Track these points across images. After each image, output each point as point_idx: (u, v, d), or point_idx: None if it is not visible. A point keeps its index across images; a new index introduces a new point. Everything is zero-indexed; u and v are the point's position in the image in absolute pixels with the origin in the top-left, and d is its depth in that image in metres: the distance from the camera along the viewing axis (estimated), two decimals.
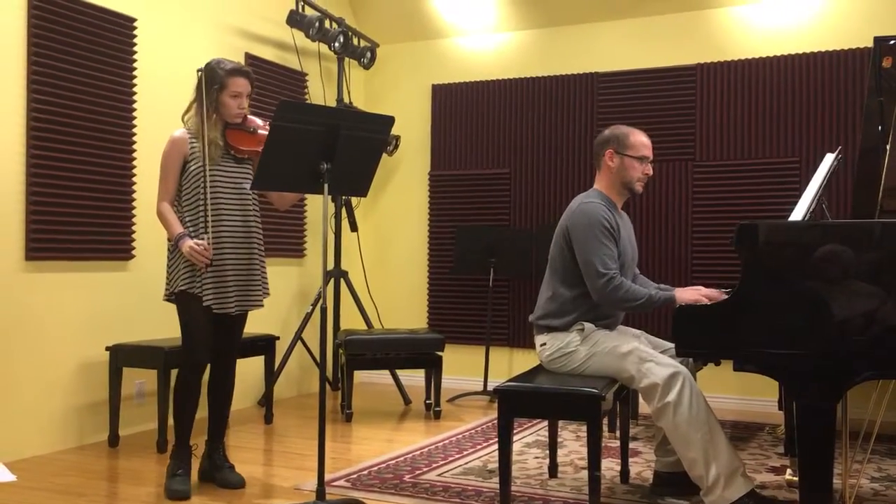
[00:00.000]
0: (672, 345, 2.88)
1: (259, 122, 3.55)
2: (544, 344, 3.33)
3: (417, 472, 3.74)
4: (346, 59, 5.87)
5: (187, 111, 3.48)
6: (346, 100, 5.87)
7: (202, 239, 3.32)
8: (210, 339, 3.46)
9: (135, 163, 4.45)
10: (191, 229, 3.37)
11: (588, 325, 3.24)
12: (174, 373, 3.64)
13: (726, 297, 2.82)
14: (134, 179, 4.44)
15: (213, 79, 3.38)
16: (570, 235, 3.27)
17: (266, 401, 4.91)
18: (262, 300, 3.57)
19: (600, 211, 3.25)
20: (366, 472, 3.71)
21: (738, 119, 5.42)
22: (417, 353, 5.04)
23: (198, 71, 3.38)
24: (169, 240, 3.40)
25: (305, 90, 5.81)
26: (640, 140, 3.36)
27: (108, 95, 4.33)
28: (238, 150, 3.45)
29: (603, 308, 3.28)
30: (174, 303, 3.44)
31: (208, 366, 3.58)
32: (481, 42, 6.20)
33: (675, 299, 3.08)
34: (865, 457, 3.80)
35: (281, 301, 5.63)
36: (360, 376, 6.20)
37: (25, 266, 3.95)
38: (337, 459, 3.97)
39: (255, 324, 4.76)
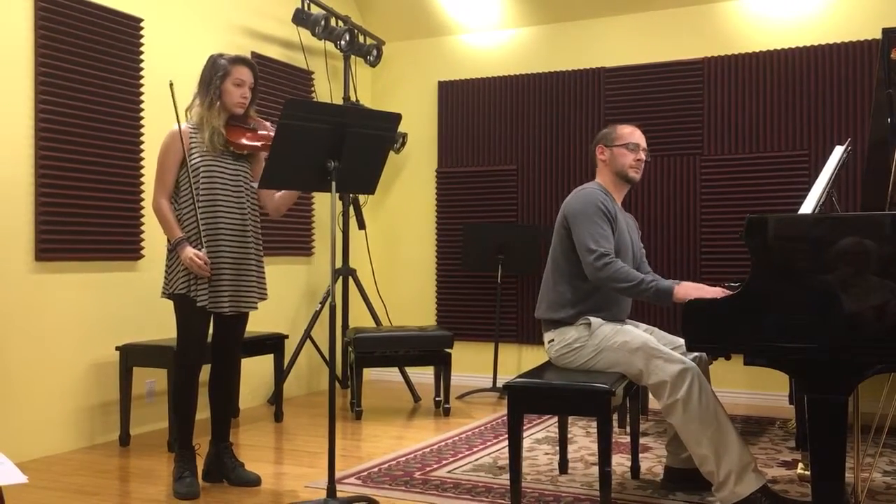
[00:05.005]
0: (683, 341, 2.86)
1: (263, 122, 3.55)
2: (552, 340, 3.32)
3: (428, 468, 3.74)
4: (353, 56, 5.87)
5: (190, 105, 3.47)
6: (353, 97, 5.87)
7: (199, 244, 3.31)
8: (205, 340, 3.46)
9: (143, 162, 4.45)
10: (188, 231, 3.36)
11: (595, 320, 3.22)
12: None
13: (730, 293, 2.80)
14: (142, 179, 4.44)
15: (216, 67, 3.40)
16: (568, 220, 3.28)
17: (276, 399, 4.93)
18: (256, 302, 3.51)
19: (597, 195, 3.30)
20: (376, 470, 3.71)
21: (746, 113, 5.40)
22: (426, 350, 5.04)
23: (170, 84, 3.30)
24: (169, 240, 3.40)
25: (312, 88, 5.82)
26: (626, 130, 3.44)
27: (116, 96, 4.34)
28: (236, 145, 3.42)
29: (604, 297, 3.24)
30: (171, 300, 3.45)
31: (210, 367, 3.58)
32: (487, 39, 6.19)
33: (673, 292, 3.02)
34: (877, 450, 3.79)
35: (290, 300, 5.64)
36: (370, 374, 6.20)
37: (35, 267, 3.97)
38: (347, 457, 3.97)
39: (264, 323, 4.78)
